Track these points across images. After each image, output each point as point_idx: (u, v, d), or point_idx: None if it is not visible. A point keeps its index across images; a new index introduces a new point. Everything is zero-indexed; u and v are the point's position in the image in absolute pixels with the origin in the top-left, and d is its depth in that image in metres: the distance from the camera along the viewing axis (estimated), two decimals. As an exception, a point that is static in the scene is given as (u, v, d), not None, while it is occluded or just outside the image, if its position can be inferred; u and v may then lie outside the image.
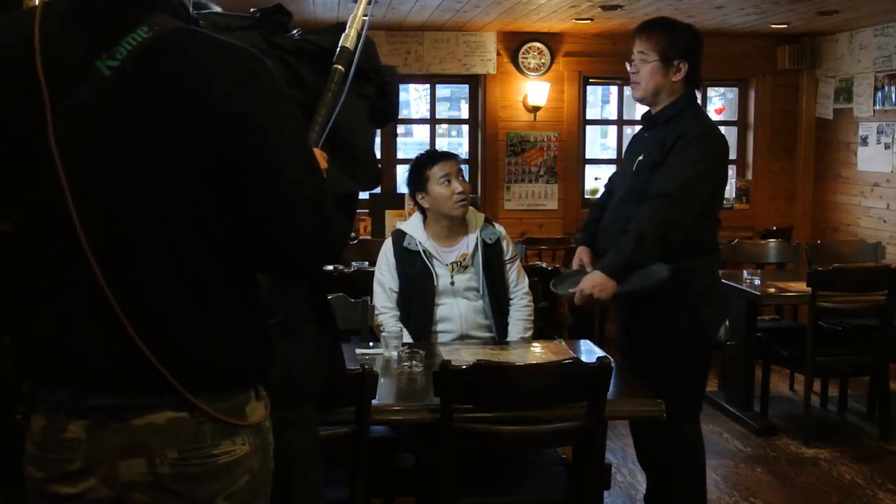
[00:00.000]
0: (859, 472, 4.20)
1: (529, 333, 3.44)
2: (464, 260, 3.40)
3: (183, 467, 1.36)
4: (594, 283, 2.98)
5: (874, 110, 6.45)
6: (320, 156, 1.65)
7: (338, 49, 1.86)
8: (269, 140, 1.37)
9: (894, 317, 4.49)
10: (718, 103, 7.98)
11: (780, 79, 7.28)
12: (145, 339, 1.34)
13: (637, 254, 2.92)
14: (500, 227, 3.54)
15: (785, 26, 6.64)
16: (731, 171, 7.45)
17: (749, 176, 7.44)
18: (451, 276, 3.37)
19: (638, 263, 2.94)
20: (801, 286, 4.61)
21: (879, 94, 6.40)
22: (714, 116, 7.70)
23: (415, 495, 2.88)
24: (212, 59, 1.36)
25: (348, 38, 1.88)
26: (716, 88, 7.80)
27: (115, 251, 1.34)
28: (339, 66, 1.84)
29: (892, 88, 6.28)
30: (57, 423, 1.39)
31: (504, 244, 3.48)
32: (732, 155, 7.43)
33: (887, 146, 6.35)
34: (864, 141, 6.60)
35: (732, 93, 7.64)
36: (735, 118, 7.54)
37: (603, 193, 3.46)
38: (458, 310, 3.36)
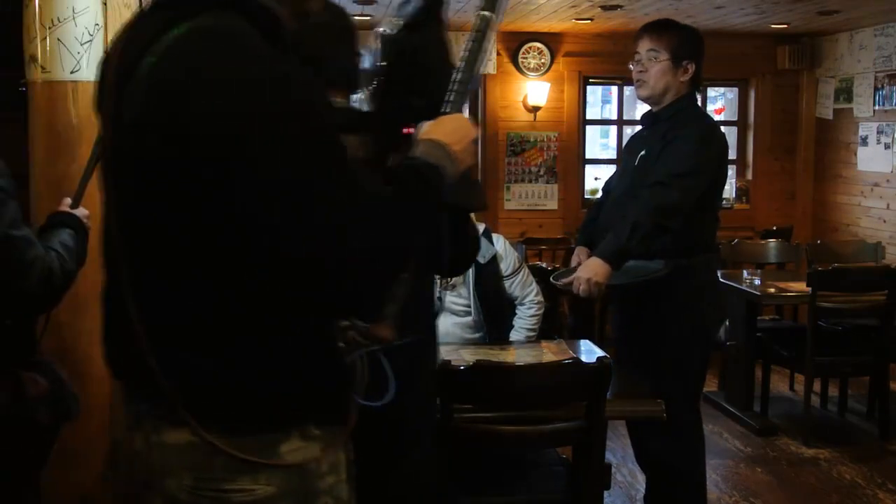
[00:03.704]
0: (859, 472, 4.20)
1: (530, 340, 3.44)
2: (452, 279, 3.30)
3: (196, 497, 1.28)
4: (590, 267, 2.98)
5: (874, 110, 6.45)
6: (461, 122, 1.48)
7: None
8: (260, 157, 1.21)
9: (894, 317, 4.49)
10: (718, 103, 7.98)
11: (780, 79, 7.28)
12: (162, 364, 1.26)
13: (632, 240, 2.92)
14: (499, 243, 3.43)
15: (785, 26, 6.64)
16: (731, 171, 7.46)
17: (749, 176, 7.44)
18: (439, 293, 3.33)
19: (634, 249, 2.93)
20: (801, 286, 4.61)
21: (879, 94, 6.40)
22: (714, 116, 7.69)
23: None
24: (215, 63, 1.23)
25: None
26: (716, 88, 7.80)
27: (134, 250, 1.30)
28: (487, 13, 1.62)
29: (892, 88, 6.28)
30: (121, 437, 1.40)
31: (501, 263, 3.39)
32: (732, 155, 7.44)
33: (887, 146, 6.35)
34: (864, 141, 6.59)
35: (732, 93, 7.64)
36: (735, 118, 7.54)
37: (601, 196, 3.47)
38: (444, 327, 3.29)
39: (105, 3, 2.91)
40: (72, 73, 2.82)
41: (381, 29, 1.82)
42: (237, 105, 1.19)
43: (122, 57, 1.31)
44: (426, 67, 1.68)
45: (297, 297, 1.25)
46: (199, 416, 1.26)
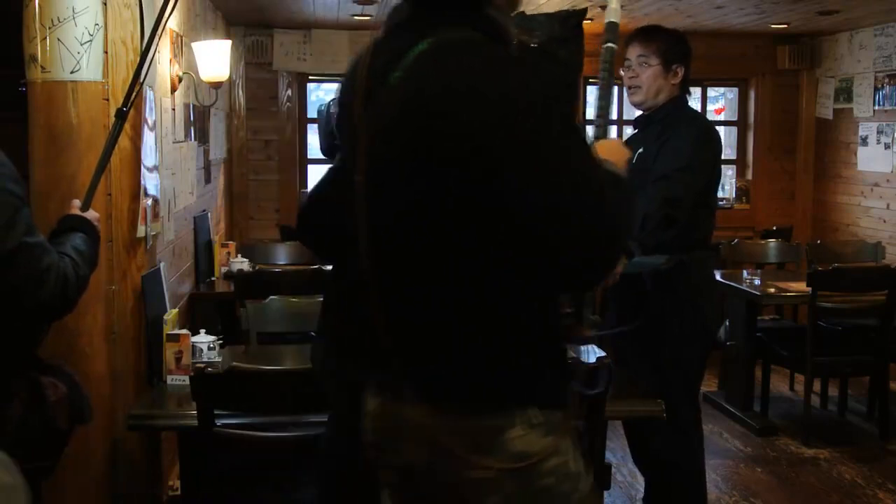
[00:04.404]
0: (859, 472, 4.20)
1: None
2: None
3: (432, 468, 1.42)
4: None
5: (874, 110, 6.45)
6: (618, 145, 1.67)
7: (605, 24, 1.80)
8: (528, 154, 1.34)
9: (894, 317, 4.49)
10: (718, 103, 7.97)
11: (780, 79, 7.28)
12: (400, 341, 1.43)
13: (642, 232, 2.95)
14: None
15: (785, 26, 6.63)
16: (731, 171, 7.46)
17: (749, 176, 7.44)
18: None
19: (645, 241, 2.96)
20: (801, 286, 4.61)
21: (879, 94, 6.40)
22: (714, 116, 7.70)
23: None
24: (478, 71, 1.36)
25: (614, 12, 1.81)
26: (716, 88, 7.80)
27: (385, 252, 1.44)
28: (613, 44, 1.77)
29: (892, 88, 6.28)
30: (365, 396, 1.54)
31: None
32: (732, 155, 7.44)
33: (887, 146, 6.35)
34: (864, 141, 6.59)
35: (732, 93, 7.63)
36: (735, 118, 7.53)
37: None
38: None
39: (105, 3, 2.90)
40: (72, 73, 2.82)
41: (533, 44, 1.98)
42: (498, 110, 1.32)
43: (368, 75, 1.46)
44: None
45: (548, 277, 1.40)
46: (437, 399, 1.41)
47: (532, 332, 1.44)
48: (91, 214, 2.31)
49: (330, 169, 2.00)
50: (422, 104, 1.36)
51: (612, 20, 1.81)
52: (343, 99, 1.57)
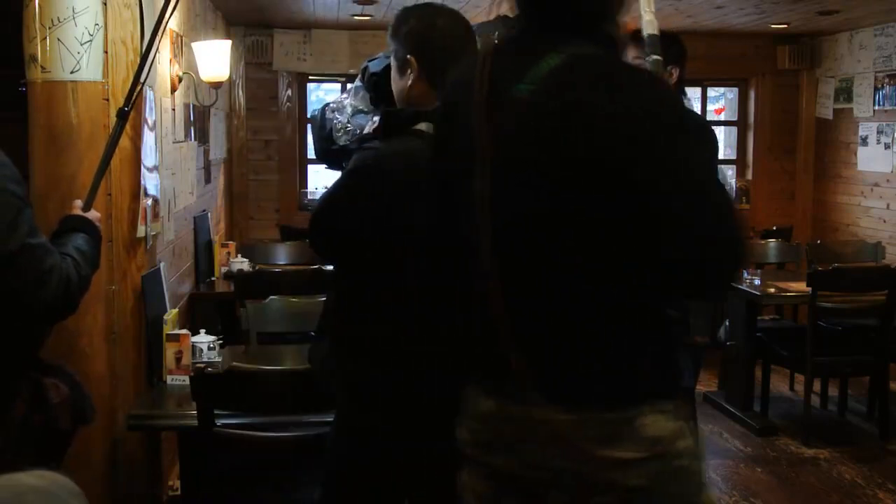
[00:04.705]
0: (859, 472, 4.20)
1: None
2: None
3: (564, 462, 1.49)
4: None
5: (874, 110, 6.45)
6: None
7: (646, 38, 1.86)
8: (666, 158, 1.42)
9: (894, 317, 4.49)
10: (718, 103, 7.97)
11: (780, 79, 7.28)
12: (524, 344, 1.48)
13: None
14: None
15: (785, 26, 6.63)
16: (731, 171, 7.46)
17: (749, 176, 7.44)
18: None
19: None
20: (801, 286, 4.61)
21: (879, 94, 6.40)
22: (714, 116, 7.71)
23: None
24: (607, 83, 1.45)
25: (651, 24, 1.86)
26: (716, 88, 7.80)
27: (512, 256, 1.48)
28: (658, 56, 1.84)
29: (893, 88, 6.28)
30: (475, 398, 1.59)
31: None
32: (732, 155, 7.45)
33: (887, 146, 6.35)
34: (864, 141, 6.59)
35: (732, 93, 7.63)
36: (735, 118, 7.53)
37: None
38: None
39: (105, 3, 2.90)
40: (72, 73, 2.82)
41: None
42: (641, 124, 1.41)
43: (490, 85, 1.49)
44: None
45: (680, 282, 1.50)
46: (568, 399, 1.47)
47: (655, 329, 1.54)
48: (93, 214, 2.31)
49: (348, 172, 2.01)
50: (560, 117, 1.43)
51: (652, 33, 1.85)
52: (452, 104, 1.61)
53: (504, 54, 1.54)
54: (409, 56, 2.02)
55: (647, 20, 1.87)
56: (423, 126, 1.97)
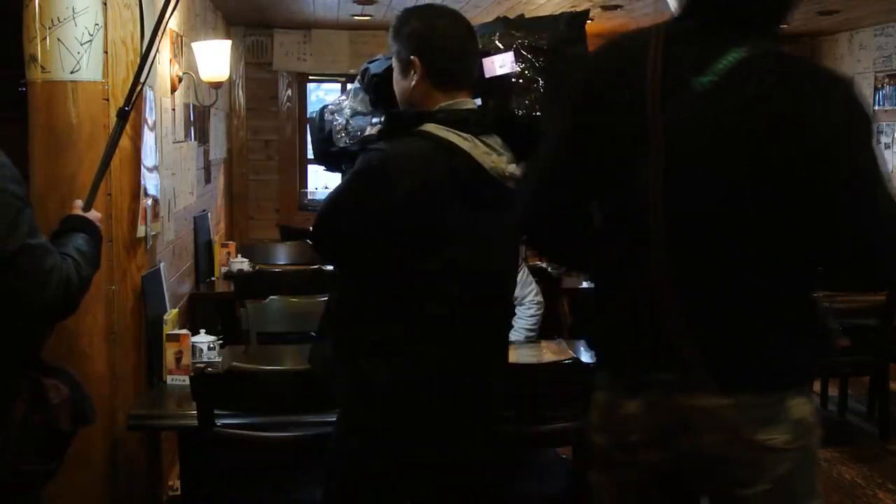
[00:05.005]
0: (859, 472, 4.20)
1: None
2: None
3: (726, 448, 1.53)
4: None
5: (874, 110, 6.45)
6: None
7: None
8: (852, 156, 1.47)
9: (894, 317, 4.49)
10: (718, 103, 7.97)
11: (780, 79, 7.28)
12: (699, 336, 1.51)
13: None
14: None
15: (785, 26, 6.64)
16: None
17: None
18: None
19: None
20: (801, 286, 4.60)
21: (879, 94, 6.40)
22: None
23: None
24: (796, 80, 1.49)
25: None
26: (716, 88, 7.80)
27: (686, 248, 1.50)
28: None
29: (893, 88, 6.28)
30: (617, 399, 1.61)
31: None
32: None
33: (887, 146, 6.35)
34: (864, 141, 6.60)
35: (732, 93, 7.64)
36: (735, 118, 7.53)
37: None
38: None
39: (105, 3, 2.90)
40: (72, 73, 2.82)
41: (542, 46, 2.09)
42: (836, 121, 1.45)
43: (664, 75, 1.50)
44: None
45: (853, 275, 1.58)
46: (736, 385, 1.52)
47: (809, 317, 1.59)
48: (93, 215, 2.31)
49: (353, 173, 2.00)
50: (744, 112, 1.46)
51: None
52: (606, 81, 1.59)
53: (676, 43, 1.53)
54: (412, 57, 2.02)
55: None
56: (428, 127, 1.97)
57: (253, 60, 6.94)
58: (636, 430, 1.59)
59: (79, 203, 2.35)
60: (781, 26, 1.63)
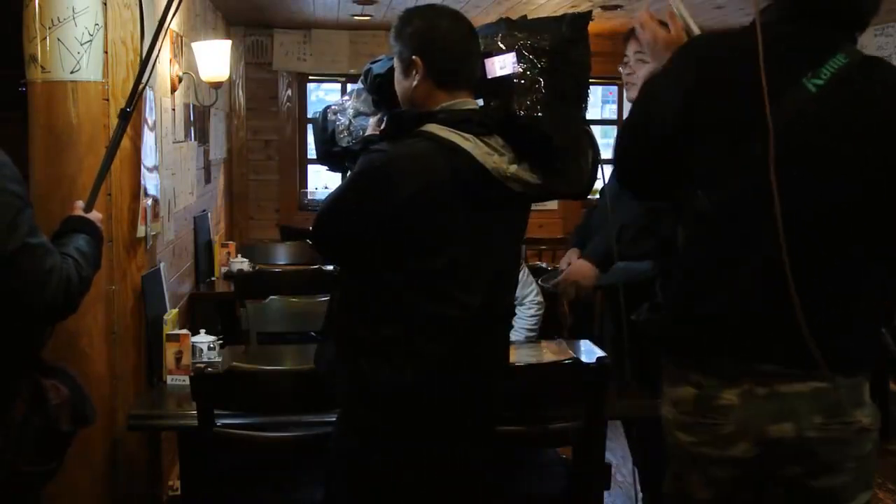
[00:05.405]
0: (859, 472, 4.20)
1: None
2: None
3: (826, 431, 1.65)
4: (577, 270, 3.10)
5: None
6: None
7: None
8: None
9: (894, 317, 4.49)
10: (718, 103, 7.96)
11: (780, 79, 7.27)
12: (810, 321, 1.57)
13: (620, 243, 2.92)
14: None
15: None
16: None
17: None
18: None
19: (621, 252, 2.93)
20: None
21: (879, 94, 6.40)
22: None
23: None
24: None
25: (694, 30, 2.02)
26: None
27: (803, 244, 1.58)
28: None
29: (893, 88, 6.28)
30: (710, 391, 1.66)
31: None
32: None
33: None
34: (864, 141, 6.59)
35: (732, 93, 7.63)
36: (735, 118, 7.53)
37: (598, 197, 3.47)
38: None
39: (105, 3, 2.90)
40: (72, 73, 2.82)
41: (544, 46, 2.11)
42: None
43: (775, 63, 1.56)
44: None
45: None
46: (836, 367, 1.63)
47: (883, 305, 1.75)
48: (94, 215, 2.31)
49: (355, 174, 2.01)
50: (852, 114, 1.60)
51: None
52: (718, 77, 1.66)
53: (779, 42, 1.61)
54: (414, 57, 2.02)
55: (692, 28, 2.03)
56: (430, 127, 1.96)
57: (253, 60, 6.94)
58: (732, 422, 1.65)
59: (80, 204, 2.35)
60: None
